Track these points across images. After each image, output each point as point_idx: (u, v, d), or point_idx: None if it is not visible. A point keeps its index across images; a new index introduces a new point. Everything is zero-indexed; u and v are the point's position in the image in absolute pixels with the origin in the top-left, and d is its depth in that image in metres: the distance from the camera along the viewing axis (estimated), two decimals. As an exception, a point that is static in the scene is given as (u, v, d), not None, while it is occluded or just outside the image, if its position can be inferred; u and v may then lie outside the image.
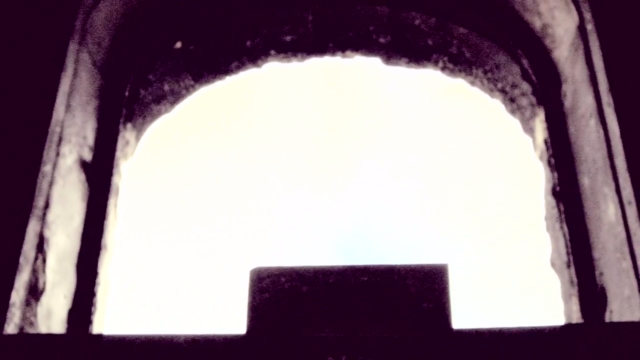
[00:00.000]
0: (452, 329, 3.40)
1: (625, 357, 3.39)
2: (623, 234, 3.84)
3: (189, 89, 5.40)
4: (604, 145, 4.08)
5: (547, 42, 4.90)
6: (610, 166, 4.00)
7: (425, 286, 3.44)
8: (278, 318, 3.41)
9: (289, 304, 3.43)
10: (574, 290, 4.18)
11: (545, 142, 4.77)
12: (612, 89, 4.05)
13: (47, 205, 3.98)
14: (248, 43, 5.39)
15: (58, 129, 4.14)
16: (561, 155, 4.64)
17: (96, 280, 4.24)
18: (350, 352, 3.30)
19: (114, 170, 4.70)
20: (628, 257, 3.78)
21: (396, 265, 3.54)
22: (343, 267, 3.53)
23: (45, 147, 3.98)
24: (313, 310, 3.41)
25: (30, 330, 3.73)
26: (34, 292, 3.83)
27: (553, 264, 4.53)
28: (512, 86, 5.14)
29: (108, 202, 4.57)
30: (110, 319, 4.33)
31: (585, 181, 4.39)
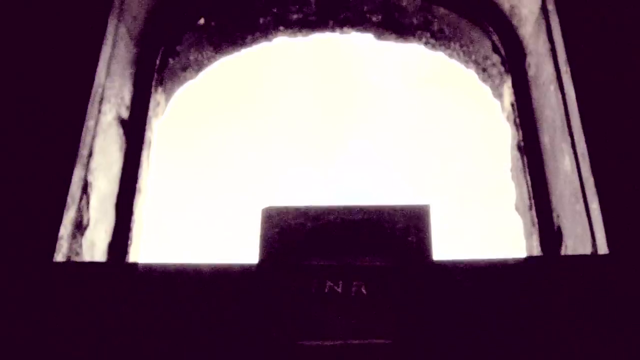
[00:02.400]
0: (432, 260, 3.38)
1: (577, 284, 3.38)
2: (577, 182, 3.81)
3: (210, 59, 5.36)
4: (562, 107, 4.05)
5: (515, 21, 4.86)
6: (567, 125, 3.97)
7: (410, 223, 3.43)
8: (285, 250, 3.39)
9: (294, 238, 3.41)
10: (535, 229, 4.16)
11: (512, 105, 4.74)
12: (570, 60, 4.01)
13: (90, 155, 3.95)
14: (261, 20, 5.35)
15: (100, 91, 4.10)
16: (525, 116, 4.61)
17: (132, 218, 4.22)
18: (346, 278, 3.29)
19: (147, 127, 4.67)
20: (581, 201, 3.77)
21: (386, 205, 3.52)
22: (341, 206, 3.51)
23: (89, 105, 3.94)
24: (315, 243, 3.40)
25: (76, 259, 3.71)
26: (79, 227, 3.80)
27: (517, 208, 4.51)
28: (484, 58, 5.10)
29: (142, 153, 4.54)
30: (143, 251, 4.31)
31: (545, 138, 4.36)
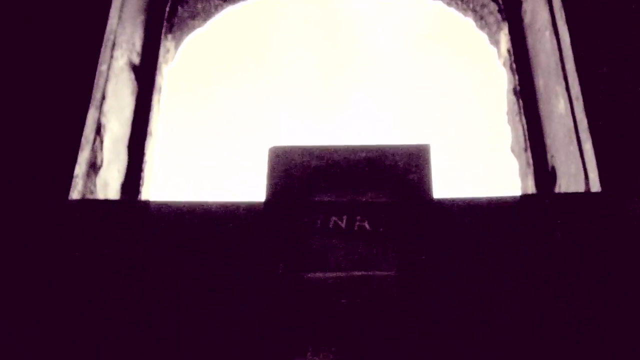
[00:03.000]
0: (432, 198, 3.38)
1: (571, 220, 3.39)
2: (571, 124, 3.80)
3: (217, 8, 5.31)
4: (557, 52, 4.03)
5: (511, -31, 4.82)
6: (562, 69, 3.95)
7: (411, 162, 3.42)
8: (291, 187, 3.38)
9: (300, 176, 3.41)
10: (530, 170, 4.15)
11: (509, 51, 4.71)
12: (565, 6, 3.98)
13: (103, 98, 3.93)
14: (266, -30, 5.30)
15: (112, 37, 4.07)
16: (521, 61, 4.59)
17: (143, 160, 4.21)
18: (350, 214, 3.29)
19: (157, 72, 4.65)
20: (575, 142, 3.76)
21: (388, 145, 3.51)
22: (345, 146, 3.50)
23: (102, 51, 3.92)
24: (320, 181, 3.39)
25: (90, 197, 3.71)
26: (94, 167, 3.80)
27: (513, 150, 4.50)
28: (481, 6, 5.06)
29: (152, 98, 4.52)
30: (154, 191, 4.31)
31: (540, 82, 4.34)
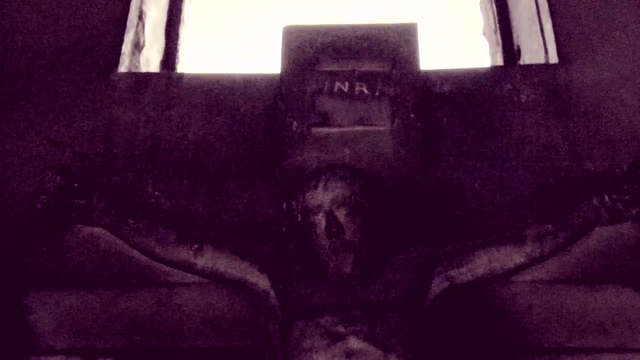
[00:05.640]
0: (419, 68, 3.37)
1: (531, 85, 3.40)
2: (534, 8, 3.76)
3: None
4: (523, -52, 3.95)
5: None
6: (527, -38, 3.89)
7: (401, 38, 3.40)
8: (302, 60, 3.37)
9: (310, 50, 3.40)
10: (499, 48, 4.13)
11: (482, -52, 4.62)
12: None
13: (143, -11, 3.88)
14: None
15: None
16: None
17: (178, 41, 4.17)
18: (351, 80, 3.28)
19: (187, -31, 4.55)
20: (537, 23, 3.73)
21: (382, 23, 3.49)
22: (347, 25, 3.48)
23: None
24: (327, 54, 3.38)
25: (135, 71, 3.70)
26: (137, 46, 3.78)
27: (484, 33, 4.46)
28: None
29: (184, -10, 4.43)
30: (188, 66, 4.30)
31: (508, -26, 4.27)
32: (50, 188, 3.00)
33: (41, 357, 2.85)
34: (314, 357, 2.47)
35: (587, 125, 3.27)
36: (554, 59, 3.52)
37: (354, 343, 2.47)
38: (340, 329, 2.50)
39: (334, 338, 2.48)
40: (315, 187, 2.69)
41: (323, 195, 2.66)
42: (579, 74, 3.42)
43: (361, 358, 2.44)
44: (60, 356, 2.86)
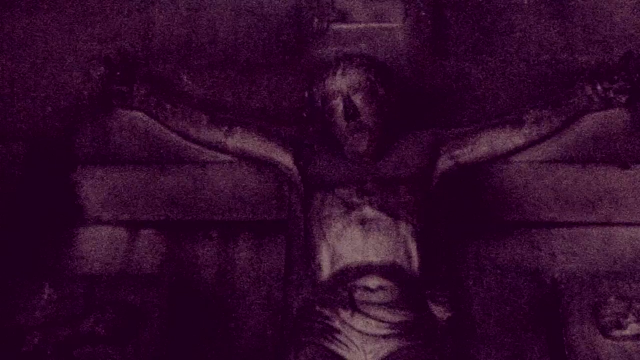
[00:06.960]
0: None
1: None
2: None
3: None
4: None
5: None
6: None
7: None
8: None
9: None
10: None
11: None
12: None
13: None
14: None
15: None
16: None
17: None
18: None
19: None
20: None
21: None
22: None
23: None
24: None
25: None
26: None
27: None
28: None
29: None
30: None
31: None
32: (95, 76, 3.03)
33: (90, 228, 2.93)
34: (332, 223, 2.54)
35: (583, 25, 3.25)
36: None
37: (368, 211, 2.54)
38: (356, 199, 2.57)
39: (350, 207, 2.56)
40: (334, 73, 2.71)
41: (341, 81, 2.68)
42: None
43: (374, 224, 2.52)
44: (106, 227, 2.93)
